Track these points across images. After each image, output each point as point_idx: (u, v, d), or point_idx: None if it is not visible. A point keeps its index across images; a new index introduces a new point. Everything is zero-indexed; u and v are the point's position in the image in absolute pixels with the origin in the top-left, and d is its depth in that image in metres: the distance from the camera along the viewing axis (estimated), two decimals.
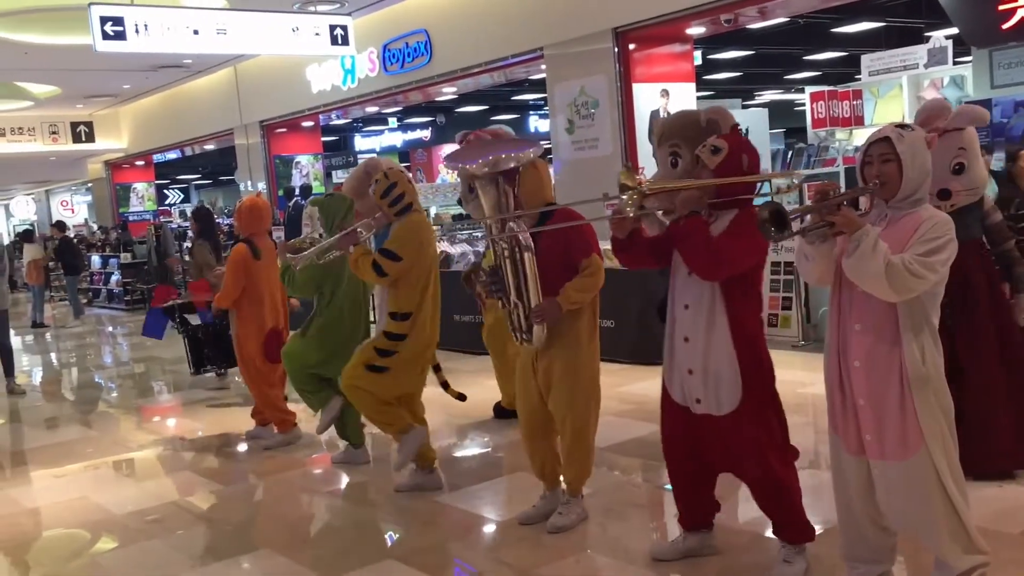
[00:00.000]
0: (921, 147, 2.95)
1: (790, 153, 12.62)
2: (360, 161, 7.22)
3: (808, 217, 2.94)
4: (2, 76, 15.47)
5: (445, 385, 5.16)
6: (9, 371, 9.04)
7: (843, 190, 3.00)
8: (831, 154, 11.92)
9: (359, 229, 4.75)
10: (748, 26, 9.61)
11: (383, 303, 4.83)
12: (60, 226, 18.37)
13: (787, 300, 7.99)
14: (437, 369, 5.08)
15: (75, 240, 17.96)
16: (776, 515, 3.54)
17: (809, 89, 12.82)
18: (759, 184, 3.54)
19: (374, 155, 6.67)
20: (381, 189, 4.66)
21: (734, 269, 3.35)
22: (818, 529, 4.07)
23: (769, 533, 3.73)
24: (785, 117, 20.50)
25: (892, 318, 2.91)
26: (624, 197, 3.24)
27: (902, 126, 3.01)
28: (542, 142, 5.88)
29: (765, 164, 9.82)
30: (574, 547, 4.06)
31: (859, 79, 12.53)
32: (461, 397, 5.23)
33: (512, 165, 4.01)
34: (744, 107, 14.52)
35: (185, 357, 8.17)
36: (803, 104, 12.56)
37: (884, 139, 2.95)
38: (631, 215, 3.30)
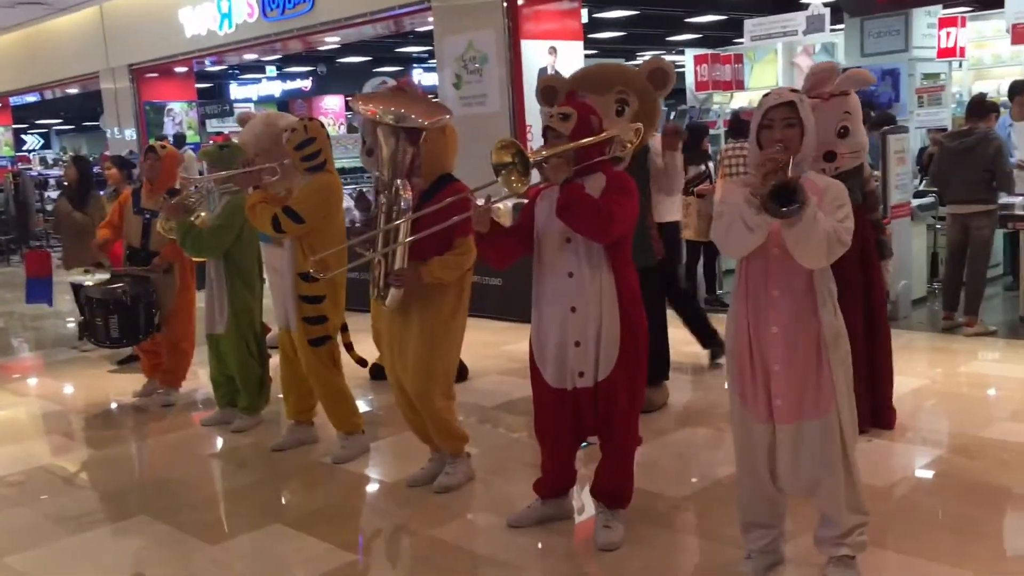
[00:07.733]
0: (811, 113, 2.96)
1: (672, 114, 12.83)
2: (237, 110, 6.89)
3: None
4: None
5: (349, 347, 4.88)
6: None
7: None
8: (711, 116, 12.20)
9: (263, 173, 4.52)
10: None
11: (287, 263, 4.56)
12: None
13: None
14: (344, 330, 4.84)
15: None
16: (616, 481, 3.56)
17: (691, 52, 13.04)
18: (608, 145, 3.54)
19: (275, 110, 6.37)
20: (297, 140, 4.41)
21: (624, 227, 3.35)
22: (684, 493, 4.14)
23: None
24: None
25: (809, 282, 2.93)
26: (499, 179, 3.19)
27: (797, 91, 3.00)
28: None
29: None
30: (461, 508, 4.07)
31: (739, 43, 12.81)
32: (362, 362, 5.06)
33: (421, 123, 3.89)
34: None
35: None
36: (684, 66, 12.78)
37: (788, 103, 2.90)
38: (520, 190, 3.23)
